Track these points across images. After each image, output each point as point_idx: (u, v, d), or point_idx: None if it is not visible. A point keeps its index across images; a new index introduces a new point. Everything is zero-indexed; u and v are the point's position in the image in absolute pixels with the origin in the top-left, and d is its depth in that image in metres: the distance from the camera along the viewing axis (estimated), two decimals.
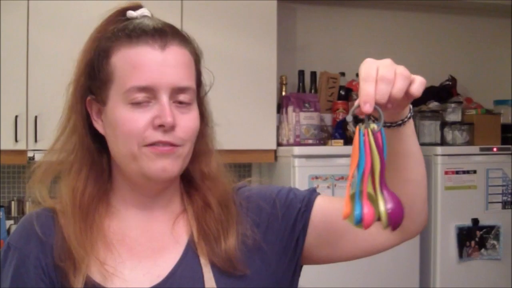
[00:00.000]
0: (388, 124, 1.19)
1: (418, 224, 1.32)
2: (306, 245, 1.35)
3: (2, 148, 3.37)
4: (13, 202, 3.79)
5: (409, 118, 1.19)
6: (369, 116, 1.06)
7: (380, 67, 1.06)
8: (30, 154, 3.41)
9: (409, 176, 1.25)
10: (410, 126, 1.21)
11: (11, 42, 3.37)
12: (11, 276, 1.25)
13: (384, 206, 1.01)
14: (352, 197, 1.01)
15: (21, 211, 3.78)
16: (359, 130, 1.03)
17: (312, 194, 1.38)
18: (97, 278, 1.23)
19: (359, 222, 1.00)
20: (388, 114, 1.17)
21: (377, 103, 1.03)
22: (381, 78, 1.04)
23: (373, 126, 1.04)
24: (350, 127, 1.12)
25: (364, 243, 1.34)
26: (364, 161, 1.01)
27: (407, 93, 1.07)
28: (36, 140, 3.39)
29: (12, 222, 3.72)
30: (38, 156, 3.39)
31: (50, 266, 1.24)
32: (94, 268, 1.23)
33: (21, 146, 3.40)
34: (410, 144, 1.23)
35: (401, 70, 1.07)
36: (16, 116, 3.37)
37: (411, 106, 1.20)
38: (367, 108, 1.02)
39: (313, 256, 1.37)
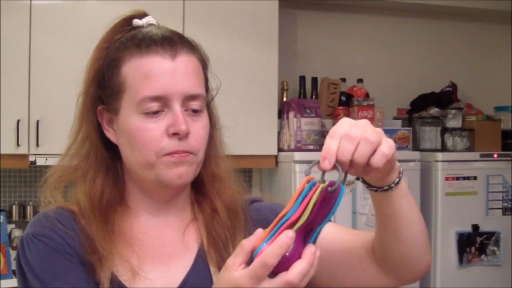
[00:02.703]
0: (375, 189, 1.16)
1: (416, 273, 1.30)
2: None
3: (4, 152, 3.37)
4: (14, 206, 3.78)
5: (397, 183, 1.15)
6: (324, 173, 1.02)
7: (350, 126, 1.03)
8: (31, 158, 3.41)
9: (401, 236, 1.22)
10: (399, 190, 1.17)
11: (14, 46, 3.37)
12: (42, 263, 1.22)
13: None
14: (267, 235, 1.02)
15: (23, 215, 3.78)
16: (309, 183, 1.01)
17: None
18: (121, 276, 1.24)
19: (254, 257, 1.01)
20: (373, 178, 1.15)
21: (338, 162, 1.01)
22: (345, 135, 1.02)
23: (323, 185, 1.00)
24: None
25: (363, 281, 1.34)
26: (293, 213, 1.00)
27: (367, 163, 1.03)
28: (37, 145, 3.39)
29: (13, 226, 3.72)
30: (39, 161, 3.40)
31: (80, 258, 1.23)
32: (120, 267, 1.24)
33: (22, 150, 3.40)
34: (400, 207, 1.19)
35: (369, 134, 1.03)
36: (18, 121, 3.37)
37: (401, 170, 1.16)
38: (325, 164, 1.01)
39: (315, 282, 1.37)
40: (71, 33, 3.38)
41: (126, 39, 1.27)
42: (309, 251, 1.00)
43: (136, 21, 1.31)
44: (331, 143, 1.02)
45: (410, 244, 1.24)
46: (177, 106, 1.22)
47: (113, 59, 1.26)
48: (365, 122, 1.05)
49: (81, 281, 1.21)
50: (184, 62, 1.24)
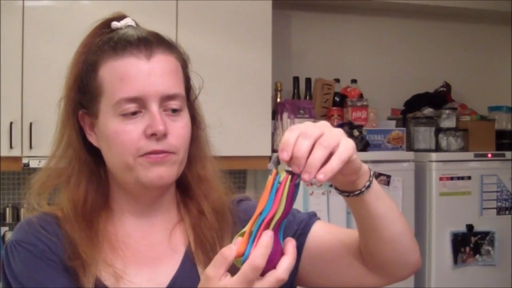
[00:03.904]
0: (346, 194, 1.16)
1: (405, 271, 1.30)
2: (299, 269, 1.34)
3: None
4: (8, 209, 3.78)
5: (368, 187, 1.15)
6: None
7: (307, 125, 1.03)
8: (25, 160, 3.41)
9: (381, 237, 1.22)
10: (372, 193, 1.16)
11: (7, 49, 3.37)
12: (26, 271, 1.22)
13: None
14: (249, 238, 1.01)
15: (16, 218, 3.77)
16: (276, 175, 1.01)
17: (311, 218, 1.37)
18: (106, 280, 1.23)
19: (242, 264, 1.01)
20: (342, 183, 1.14)
21: (294, 157, 1.00)
22: (302, 132, 1.01)
23: (284, 173, 1.01)
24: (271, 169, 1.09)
25: (354, 280, 1.33)
26: (270, 209, 1.00)
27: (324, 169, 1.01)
28: (31, 147, 3.39)
29: (6, 228, 3.72)
30: (33, 163, 3.39)
31: (63, 264, 1.23)
32: (104, 272, 1.24)
33: (16, 152, 3.40)
34: (375, 209, 1.18)
35: (325, 137, 1.02)
36: (11, 123, 3.37)
37: (371, 173, 1.15)
38: (283, 155, 1.00)
39: (306, 281, 1.37)
40: (64, 35, 3.37)
41: (103, 42, 1.26)
42: (291, 246, 1.01)
43: (115, 24, 1.30)
44: (289, 135, 1.01)
45: (392, 244, 1.23)
46: (154, 107, 1.21)
47: (90, 63, 1.26)
48: (323, 123, 1.04)
49: None
50: (161, 62, 1.23)
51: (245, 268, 0.99)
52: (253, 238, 1.01)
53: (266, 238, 0.98)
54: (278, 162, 1.03)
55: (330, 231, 1.35)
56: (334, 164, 1.01)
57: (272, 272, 0.99)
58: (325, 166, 1.01)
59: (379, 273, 1.30)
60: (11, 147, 3.38)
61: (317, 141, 1.01)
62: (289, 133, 1.02)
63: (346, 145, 1.03)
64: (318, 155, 1.00)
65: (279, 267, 0.99)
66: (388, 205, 1.20)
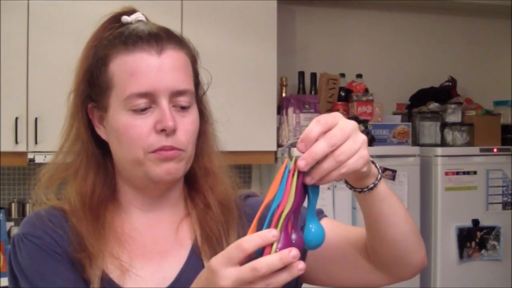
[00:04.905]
0: (349, 186, 1.15)
1: (409, 271, 1.29)
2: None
3: (3, 150, 3.37)
4: (13, 204, 3.79)
5: (371, 188, 1.14)
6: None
7: (339, 124, 1.00)
8: (30, 156, 3.41)
9: (384, 237, 1.21)
10: (376, 194, 1.15)
11: (12, 44, 3.38)
12: (32, 264, 1.23)
13: (276, 245, 0.97)
14: (257, 226, 1.00)
15: (22, 213, 3.78)
16: (286, 165, 1.00)
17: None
18: (112, 273, 1.24)
19: (260, 255, 0.98)
20: (350, 179, 1.13)
21: (308, 153, 0.98)
22: (327, 134, 1.00)
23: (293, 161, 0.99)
24: (283, 156, 1.08)
25: (358, 278, 1.33)
26: (280, 201, 0.99)
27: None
28: (36, 142, 3.39)
29: (12, 224, 3.72)
30: (38, 158, 3.40)
31: (69, 257, 1.24)
32: (110, 264, 1.24)
33: (21, 148, 3.40)
34: (379, 209, 1.18)
35: (343, 150, 1.00)
36: (17, 118, 3.37)
37: (379, 176, 1.14)
38: (301, 147, 0.99)
39: (311, 278, 1.36)
40: (69, 31, 3.37)
41: (114, 37, 1.26)
42: (288, 250, 0.96)
43: (125, 18, 1.30)
44: (314, 130, 1.00)
45: (395, 244, 1.23)
46: (164, 102, 1.22)
47: (101, 57, 1.26)
48: (351, 126, 1.02)
49: (69, 282, 1.21)
50: (171, 58, 1.24)
51: (230, 246, 0.98)
52: (265, 227, 0.99)
53: (266, 232, 0.96)
54: (290, 147, 1.03)
55: (336, 228, 1.35)
56: (334, 176, 1.01)
57: (251, 262, 0.96)
58: (324, 177, 1.01)
59: (384, 271, 1.29)
60: (16, 142, 3.38)
61: (336, 149, 0.99)
62: (315, 126, 1.00)
63: (358, 157, 1.02)
64: (327, 167, 1.00)
65: (261, 258, 0.95)
66: (393, 207, 1.19)
